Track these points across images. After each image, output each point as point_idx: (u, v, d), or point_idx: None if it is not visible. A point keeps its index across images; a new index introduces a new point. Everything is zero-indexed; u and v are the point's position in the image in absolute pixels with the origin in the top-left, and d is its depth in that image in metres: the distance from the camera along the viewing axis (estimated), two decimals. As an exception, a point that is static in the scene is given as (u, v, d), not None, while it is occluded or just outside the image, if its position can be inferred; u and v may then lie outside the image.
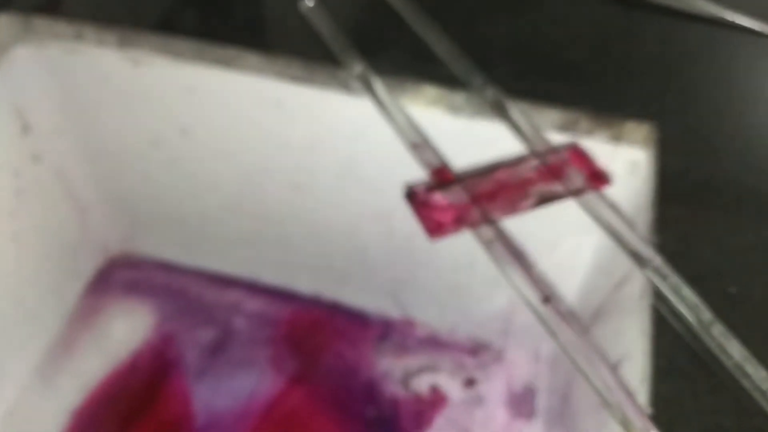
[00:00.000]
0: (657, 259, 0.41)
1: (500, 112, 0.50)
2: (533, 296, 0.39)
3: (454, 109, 0.54)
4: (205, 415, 0.72)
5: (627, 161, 0.52)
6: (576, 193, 0.44)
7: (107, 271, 0.84)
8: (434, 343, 0.77)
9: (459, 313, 0.77)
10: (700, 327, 0.38)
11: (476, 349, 0.76)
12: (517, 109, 0.49)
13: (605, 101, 0.53)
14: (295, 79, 0.58)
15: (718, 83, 0.57)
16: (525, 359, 0.75)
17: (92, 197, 0.80)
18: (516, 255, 0.41)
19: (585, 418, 0.57)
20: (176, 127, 0.69)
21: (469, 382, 0.74)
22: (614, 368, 0.37)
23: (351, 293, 0.79)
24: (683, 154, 0.50)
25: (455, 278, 0.73)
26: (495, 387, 0.73)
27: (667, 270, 0.40)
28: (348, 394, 0.73)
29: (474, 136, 0.55)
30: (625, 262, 0.53)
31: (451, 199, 0.43)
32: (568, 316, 0.38)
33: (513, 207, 0.42)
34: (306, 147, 0.64)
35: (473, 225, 0.42)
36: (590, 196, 0.44)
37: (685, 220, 0.45)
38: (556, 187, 0.44)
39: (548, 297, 0.39)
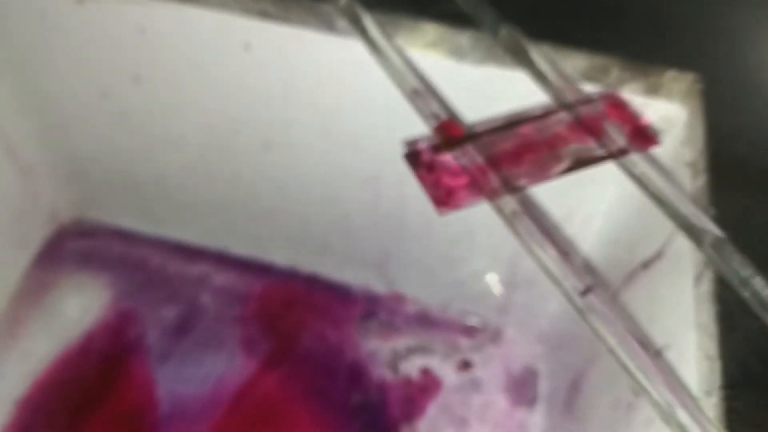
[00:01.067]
0: (719, 235, 0.32)
1: (517, 55, 0.40)
2: (570, 286, 0.30)
3: (459, 52, 0.44)
4: (168, 402, 0.63)
5: (666, 118, 0.43)
6: (618, 154, 0.35)
7: (57, 241, 0.73)
8: (425, 321, 0.69)
9: (452, 288, 0.68)
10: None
11: (471, 328, 0.68)
12: (537, 53, 0.40)
13: (638, 48, 0.44)
14: (266, 15, 0.48)
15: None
16: (525, 339, 0.67)
17: (36, 157, 0.69)
18: (548, 233, 0.32)
19: (601, 411, 0.49)
20: (127, 75, 0.58)
21: (464, 365, 0.66)
22: (677, 384, 0.29)
23: (332, 265, 0.70)
24: (733, 110, 0.41)
25: (450, 250, 0.65)
26: (492, 370, 0.65)
27: (731, 249, 0.31)
28: (329, 379, 0.65)
29: (483, 86, 0.45)
30: (656, 236, 0.45)
31: (463, 160, 0.34)
32: (615, 312, 0.30)
33: (542, 171, 0.33)
34: (279, 98, 0.54)
35: (492, 194, 0.33)
36: (634, 158, 0.35)
37: (741, 191, 0.36)
38: (593, 146, 0.35)
39: (589, 287, 0.30)
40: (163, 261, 0.72)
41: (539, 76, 0.39)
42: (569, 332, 0.64)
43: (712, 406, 0.28)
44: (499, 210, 0.33)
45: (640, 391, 0.30)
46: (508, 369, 0.65)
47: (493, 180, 0.33)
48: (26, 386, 0.63)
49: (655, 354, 0.34)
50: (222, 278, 0.71)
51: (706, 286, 0.33)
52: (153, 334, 0.67)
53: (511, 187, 0.33)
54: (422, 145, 0.34)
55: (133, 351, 0.66)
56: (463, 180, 0.33)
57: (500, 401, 0.63)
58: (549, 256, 0.31)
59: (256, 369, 0.65)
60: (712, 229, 0.32)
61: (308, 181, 0.62)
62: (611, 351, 0.30)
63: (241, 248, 0.72)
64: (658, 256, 0.44)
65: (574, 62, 0.43)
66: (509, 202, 0.33)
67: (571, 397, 0.56)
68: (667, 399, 0.29)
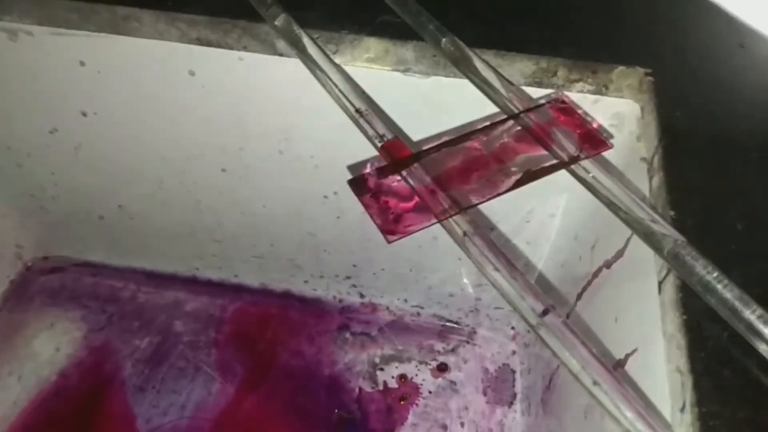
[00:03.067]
0: (679, 240, 0.29)
1: (461, 65, 0.37)
2: (528, 307, 0.27)
3: (403, 65, 0.41)
4: (148, 434, 0.60)
5: (618, 114, 0.41)
6: (569, 161, 0.32)
7: (24, 281, 0.69)
8: (399, 328, 0.66)
9: (423, 294, 0.65)
10: (744, 327, 0.27)
11: (444, 331, 0.66)
12: (481, 61, 0.37)
13: (585, 47, 0.41)
14: (204, 41, 0.44)
15: (713, 22, 0.46)
16: (498, 338, 0.64)
17: (-7, 198, 0.65)
18: (501, 253, 0.29)
19: (574, 409, 0.47)
20: (74, 109, 0.54)
21: (441, 369, 0.63)
22: (644, 402, 0.26)
23: (303, 281, 0.67)
24: (685, 103, 0.39)
25: (417, 256, 0.62)
26: (469, 371, 0.62)
27: (693, 254, 0.29)
28: (308, 396, 0.62)
29: (430, 98, 0.42)
30: (617, 236, 0.42)
31: (410, 181, 0.31)
32: (573, 331, 0.27)
33: (492, 187, 0.30)
34: (231, 122, 0.51)
35: (443, 215, 0.30)
36: (586, 164, 0.32)
37: (699, 188, 0.34)
38: (543, 155, 0.32)
39: (547, 309, 0.27)
40: (134, 291, 0.68)
41: (485, 85, 0.36)
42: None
43: (687, 424, 0.26)
44: (451, 231, 0.30)
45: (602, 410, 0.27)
46: (485, 369, 0.63)
47: (443, 200, 0.30)
48: (0, 433, 0.59)
49: (617, 366, 0.31)
50: (194, 303, 0.67)
51: (670, 293, 0.30)
52: (128, 367, 0.64)
53: (461, 206, 0.30)
54: (367, 170, 0.31)
55: (109, 386, 0.62)
56: (411, 203, 0.30)
57: (479, 402, 0.61)
58: (504, 277, 0.28)
59: (234, 392, 0.62)
60: (672, 233, 0.30)
61: (270, 202, 0.59)
62: (573, 374, 0.27)
63: (211, 272, 0.68)
64: (619, 255, 0.42)
65: (520, 66, 0.40)
66: (460, 222, 0.30)
67: (547, 395, 0.54)
68: (631, 419, 0.26)
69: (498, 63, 0.39)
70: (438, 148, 0.32)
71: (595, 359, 0.26)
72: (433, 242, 0.59)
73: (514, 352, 0.63)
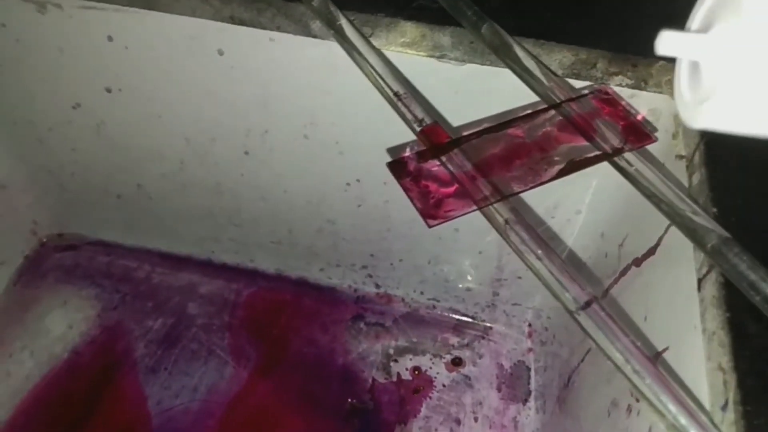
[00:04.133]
0: (724, 236, 0.29)
1: (500, 52, 0.36)
2: (570, 298, 0.27)
3: (439, 51, 0.41)
4: (159, 416, 0.60)
5: (656, 110, 0.40)
6: (613, 153, 0.31)
7: (38, 257, 0.69)
8: (414, 320, 0.65)
9: (440, 287, 0.65)
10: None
11: (460, 325, 0.65)
12: (522, 49, 0.36)
13: (625, 39, 0.40)
14: (237, 19, 0.44)
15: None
16: (514, 334, 0.64)
17: (11, 171, 0.64)
18: (543, 241, 0.28)
19: (596, 409, 0.46)
20: (99, 85, 0.53)
21: (456, 363, 0.63)
22: (686, 396, 0.26)
23: (319, 269, 0.67)
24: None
25: (436, 248, 0.61)
26: (484, 367, 0.62)
27: (738, 250, 0.28)
28: (321, 385, 0.61)
29: (465, 86, 0.42)
30: (648, 232, 0.42)
31: (450, 167, 0.30)
32: (617, 323, 0.27)
33: (534, 175, 0.30)
34: (257, 104, 0.50)
35: (483, 202, 0.29)
36: (628, 156, 0.32)
37: (745, 184, 0.33)
38: (586, 146, 0.31)
39: (590, 300, 0.27)
40: (148, 272, 0.68)
41: (525, 73, 0.35)
42: (556, 326, 0.61)
43: (730, 422, 0.25)
44: (491, 219, 0.29)
45: (643, 401, 0.27)
46: (500, 365, 0.62)
47: (484, 187, 0.30)
48: (10, 409, 0.59)
49: (655, 358, 0.30)
50: (209, 286, 0.67)
51: (712, 289, 0.29)
52: (140, 347, 0.63)
53: (503, 194, 0.29)
54: (407, 153, 0.31)
55: (121, 365, 0.62)
56: (451, 188, 0.30)
57: (493, 398, 0.60)
58: (546, 266, 0.28)
59: (247, 377, 0.62)
60: (716, 229, 0.29)
61: (291, 187, 0.58)
62: (617, 366, 0.26)
63: (227, 256, 0.68)
64: (650, 253, 0.41)
65: (558, 57, 0.39)
66: (501, 209, 0.29)
67: (564, 393, 0.53)
68: (675, 413, 0.25)
69: (536, 52, 0.38)
70: (479, 134, 0.32)
71: (639, 351, 0.26)
72: (453, 234, 0.59)
73: (530, 350, 0.63)
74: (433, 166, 0.30)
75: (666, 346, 0.35)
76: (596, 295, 0.27)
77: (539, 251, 0.28)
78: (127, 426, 0.59)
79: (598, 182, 0.50)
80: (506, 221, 0.29)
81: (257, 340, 0.64)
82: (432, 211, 0.29)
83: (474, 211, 0.29)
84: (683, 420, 0.25)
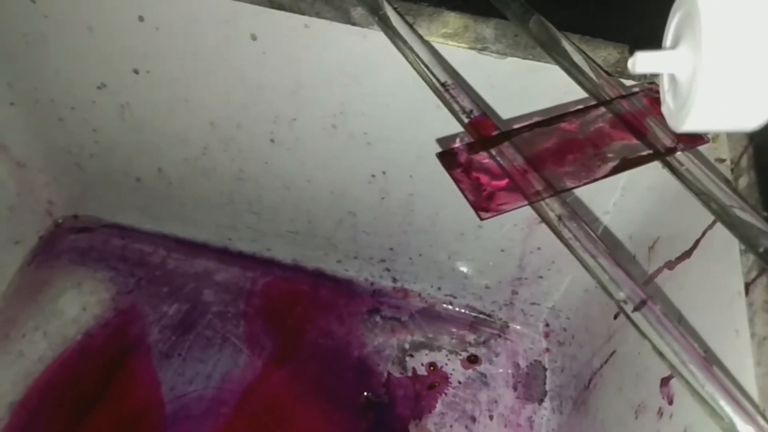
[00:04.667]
0: (775, 242, 0.28)
1: (548, 47, 0.36)
2: (625, 297, 0.26)
3: (480, 43, 0.40)
4: (173, 403, 0.59)
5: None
6: (666, 152, 0.31)
7: (53, 238, 0.68)
8: (431, 316, 0.65)
9: (458, 283, 0.65)
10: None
11: (477, 322, 0.65)
12: (570, 44, 0.35)
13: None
14: (276, 4, 0.43)
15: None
16: (531, 334, 0.64)
17: (30, 150, 0.64)
18: (597, 239, 0.28)
19: (619, 411, 0.46)
20: (127, 66, 0.53)
21: (471, 360, 0.62)
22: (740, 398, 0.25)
23: (336, 261, 0.66)
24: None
25: (457, 244, 0.61)
26: (500, 366, 0.62)
27: (791, 257, 0.28)
28: (336, 377, 0.61)
29: (505, 80, 0.41)
30: (683, 235, 0.41)
31: (501, 160, 0.30)
32: (673, 324, 0.26)
33: (587, 172, 0.29)
34: (287, 91, 0.50)
35: (535, 197, 0.29)
36: (679, 156, 0.31)
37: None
38: (638, 144, 0.31)
39: (644, 300, 0.26)
40: (164, 257, 0.67)
41: (573, 69, 0.35)
42: (576, 327, 0.60)
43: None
44: (543, 214, 0.29)
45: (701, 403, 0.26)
46: (516, 364, 0.62)
47: (535, 181, 0.29)
48: (22, 390, 0.58)
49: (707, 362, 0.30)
50: (225, 274, 0.66)
51: (762, 294, 0.29)
52: (154, 332, 0.63)
53: (556, 189, 0.29)
54: (457, 144, 0.30)
55: (135, 350, 0.62)
56: (502, 182, 0.29)
57: (508, 397, 0.60)
58: (600, 263, 0.27)
59: (261, 366, 0.61)
60: (768, 232, 0.29)
61: (315, 177, 0.58)
62: (672, 367, 0.26)
63: (244, 244, 0.67)
64: (686, 255, 0.41)
65: (603, 54, 0.39)
66: (554, 205, 0.29)
67: (584, 395, 0.53)
68: (731, 416, 0.25)
69: (582, 49, 0.38)
70: (530, 127, 0.31)
71: (696, 353, 0.25)
72: (476, 231, 0.58)
73: (547, 350, 0.62)
74: (484, 158, 0.30)
75: (705, 349, 0.35)
76: (651, 295, 0.26)
77: (593, 248, 0.27)
78: (139, 411, 0.58)
79: (626, 183, 0.50)
80: (559, 217, 0.28)
81: (272, 330, 0.63)
82: (484, 203, 0.28)
83: (526, 205, 0.29)
84: (740, 422, 0.24)
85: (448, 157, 0.30)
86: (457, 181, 0.29)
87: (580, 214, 0.52)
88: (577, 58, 0.35)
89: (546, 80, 0.40)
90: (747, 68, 0.22)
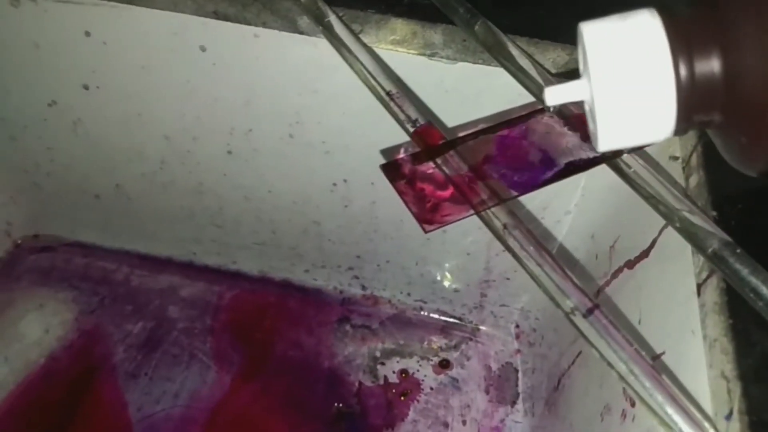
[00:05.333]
0: (726, 239, 0.28)
1: (495, 51, 0.35)
2: (572, 306, 0.26)
3: (429, 49, 0.40)
4: (140, 423, 0.58)
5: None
6: (613, 155, 0.30)
7: (13, 259, 0.66)
8: (401, 322, 0.64)
9: (427, 288, 0.64)
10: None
11: (448, 327, 0.64)
12: (516, 48, 0.35)
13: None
14: (221, 15, 0.42)
15: None
16: (502, 336, 0.63)
17: (-16, 171, 0.62)
18: (543, 247, 0.27)
19: (588, 413, 0.46)
20: (76, 82, 0.51)
21: (443, 365, 0.62)
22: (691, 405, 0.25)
23: (304, 271, 0.65)
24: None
25: (424, 250, 0.60)
26: (471, 369, 0.61)
27: (741, 255, 0.27)
28: (307, 389, 0.60)
29: (457, 85, 0.41)
30: (641, 233, 0.41)
31: (446, 170, 0.29)
32: (620, 331, 0.26)
33: (533, 179, 0.29)
34: (241, 102, 0.49)
35: (481, 206, 0.28)
36: (626, 158, 0.31)
37: (746, 186, 0.32)
38: (584, 147, 0.30)
39: (592, 308, 0.26)
40: (127, 274, 0.66)
41: (520, 73, 0.34)
42: (544, 327, 0.60)
43: (735, 432, 0.24)
44: (489, 223, 0.28)
45: (648, 411, 0.26)
46: (487, 367, 0.62)
47: (481, 190, 0.29)
48: (-15, 416, 0.57)
49: (654, 365, 0.30)
50: (190, 289, 0.65)
51: (713, 295, 0.29)
52: (120, 352, 0.61)
53: (501, 197, 0.28)
54: (400, 155, 0.30)
55: (100, 371, 0.60)
56: (447, 192, 0.29)
57: (481, 400, 0.60)
58: (546, 272, 0.27)
59: (230, 382, 0.60)
60: (717, 232, 0.29)
61: (276, 187, 0.57)
62: (619, 375, 0.26)
63: (208, 257, 0.66)
64: (644, 255, 0.40)
65: (552, 56, 0.38)
66: (499, 214, 0.28)
67: (554, 396, 0.53)
68: (680, 425, 0.25)
69: (530, 51, 0.38)
70: (474, 135, 0.30)
71: (643, 361, 0.25)
72: (441, 236, 0.58)
73: (518, 351, 0.62)
74: (428, 168, 0.29)
75: (662, 351, 0.35)
76: (598, 303, 0.26)
77: (539, 256, 0.27)
78: (106, 434, 0.57)
79: (587, 182, 0.50)
80: (504, 226, 0.28)
81: (241, 344, 0.62)
82: (428, 215, 0.27)
83: (471, 215, 0.28)
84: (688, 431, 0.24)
85: (392, 168, 0.29)
86: (400, 193, 0.28)
87: (541, 215, 0.52)
88: (524, 62, 0.34)
89: (498, 84, 0.39)
90: (633, 88, 0.23)
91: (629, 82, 0.23)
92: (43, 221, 0.67)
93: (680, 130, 0.24)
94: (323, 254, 0.63)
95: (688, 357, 0.32)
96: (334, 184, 0.55)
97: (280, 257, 0.64)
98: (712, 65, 0.22)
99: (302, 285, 0.65)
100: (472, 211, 0.28)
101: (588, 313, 0.26)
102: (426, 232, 0.27)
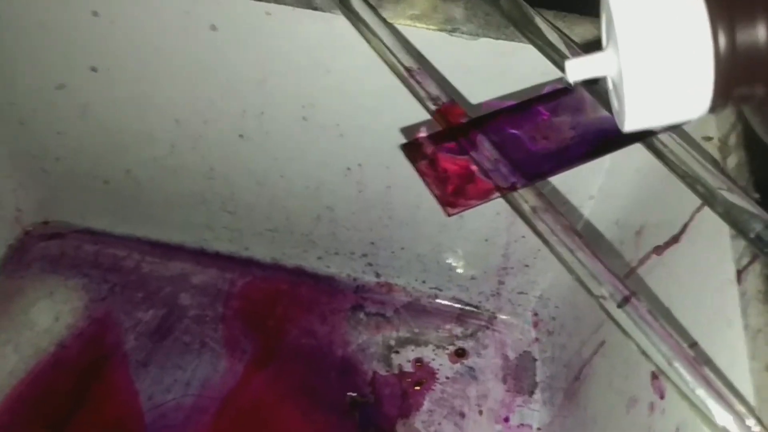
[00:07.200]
0: (766, 218, 0.26)
1: (521, 25, 0.33)
2: (606, 294, 0.24)
3: (450, 24, 0.38)
4: (151, 412, 0.57)
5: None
6: (647, 133, 0.28)
7: (22, 246, 0.65)
8: (416, 310, 0.63)
9: (443, 275, 0.62)
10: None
11: (464, 315, 0.63)
12: (544, 22, 0.33)
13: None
14: (234, -10, 0.41)
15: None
16: (519, 324, 0.62)
17: (-7, 156, 0.61)
18: (575, 231, 0.26)
19: (611, 404, 0.44)
20: (84, 64, 0.50)
21: (459, 354, 0.60)
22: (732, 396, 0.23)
23: (317, 258, 0.64)
24: None
25: (440, 236, 0.58)
26: (488, 358, 0.60)
27: (785, 242, 0.26)
28: (320, 377, 0.59)
29: (479, 62, 0.39)
30: (670, 217, 0.39)
31: (470, 150, 0.27)
32: (659, 322, 0.24)
33: (563, 158, 0.27)
34: (253, 83, 0.47)
35: (508, 188, 0.26)
36: (662, 136, 0.29)
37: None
38: (616, 126, 0.29)
39: (628, 296, 0.24)
40: (138, 261, 0.65)
41: (548, 48, 0.32)
42: (564, 316, 0.59)
43: None
44: (516, 206, 0.27)
45: (691, 407, 0.24)
46: (504, 356, 0.60)
47: (508, 171, 0.27)
48: (-5, 404, 0.56)
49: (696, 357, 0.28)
50: (201, 276, 0.64)
51: (756, 282, 0.27)
52: (130, 340, 0.60)
53: (529, 179, 0.27)
54: (422, 134, 0.28)
55: (111, 359, 0.59)
56: (471, 173, 0.27)
57: (498, 390, 0.58)
58: (579, 259, 0.25)
59: (242, 370, 0.59)
60: (761, 214, 0.27)
61: (289, 172, 0.55)
62: (659, 369, 0.24)
63: (220, 244, 0.65)
64: (674, 240, 0.39)
65: (580, 31, 0.36)
66: (527, 196, 0.26)
67: (575, 386, 0.51)
68: (723, 421, 0.23)
69: (558, 25, 0.35)
70: (501, 113, 0.29)
71: (684, 353, 0.23)
72: (458, 221, 0.56)
73: (536, 340, 0.60)
74: (451, 148, 0.27)
75: (694, 342, 0.33)
76: (635, 291, 0.24)
77: (570, 242, 0.25)
78: (118, 422, 0.56)
79: (612, 165, 0.48)
80: (533, 209, 0.26)
81: (253, 332, 0.61)
82: (451, 198, 0.26)
83: (497, 197, 0.26)
84: (734, 427, 0.22)
85: (412, 148, 0.27)
86: (422, 174, 0.27)
87: (563, 200, 0.50)
88: (552, 36, 0.33)
89: (522, 61, 0.37)
90: (666, 59, 0.21)
91: (660, 50, 0.21)
92: (52, 208, 0.66)
93: (717, 106, 0.22)
94: (337, 241, 0.62)
95: (722, 348, 0.30)
96: (349, 169, 0.53)
97: (293, 244, 0.63)
98: (756, 30, 0.20)
99: (315, 272, 0.64)
100: (497, 194, 0.27)
101: (624, 302, 0.24)
102: (449, 215, 0.26)
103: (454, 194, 0.26)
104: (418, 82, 0.31)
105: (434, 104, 0.30)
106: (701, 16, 0.20)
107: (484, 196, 0.26)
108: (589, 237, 0.51)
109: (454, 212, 0.26)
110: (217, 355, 0.59)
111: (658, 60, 0.21)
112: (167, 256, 0.65)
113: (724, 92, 0.21)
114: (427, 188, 0.27)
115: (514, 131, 0.28)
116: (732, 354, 0.28)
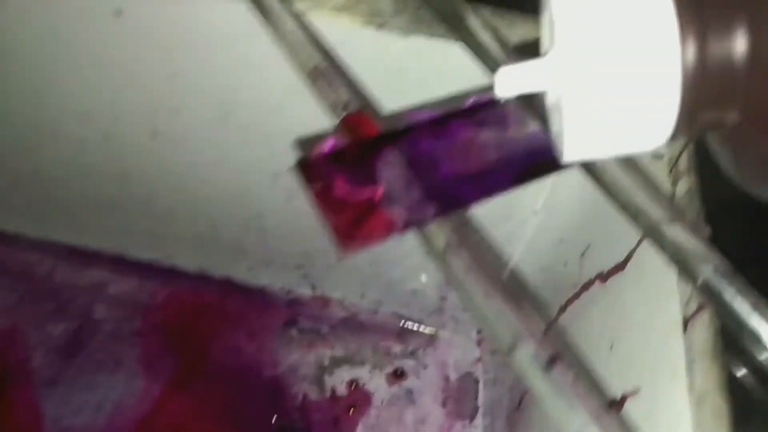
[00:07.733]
0: (720, 266, 0.22)
1: (452, 22, 0.29)
2: (529, 354, 0.20)
3: (378, 18, 0.33)
4: (55, 437, 0.51)
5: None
6: (586, 157, 0.24)
7: None
8: (353, 326, 0.58)
9: (382, 289, 0.58)
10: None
11: (403, 332, 0.58)
12: (477, 19, 0.29)
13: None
14: (132, -29, 0.35)
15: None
16: (463, 343, 0.58)
17: None
18: (495, 273, 0.21)
19: (550, 430, 0.40)
20: (-26, 51, 0.44)
21: (397, 375, 0.56)
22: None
23: (247, 269, 0.59)
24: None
25: (379, 248, 0.54)
26: (428, 379, 0.56)
27: (740, 286, 0.22)
28: (245, 400, 0.54)
29: (408, 62, 0.34)
30: (617, 241, 0.35)
31: (378, 169, 0.23)
32: (586, 389, 0.20)
33: (486, 184, 0.23)
34: (164, 78, 0.42)
35: (421, 218, 0.22)
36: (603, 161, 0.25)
37: (744, 198, 0.27)
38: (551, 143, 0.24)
39: (555, 356, 0.20)
40: (51, 268, 0.59)
41: (480, 50, 0.28)
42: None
43: None
44: (428, 242, 0.22)
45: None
46: (445, 377, 0.56)
47: (421, 197, 0.22)
48: None
49: (610, 406, 0.24)
50: (119, 286, 0.58)
51: (704, 334, 0.23)
52: (38, 356, 0.54)
53: (446, 207, 0.22)
54: (320, 150, 0.23)
55: (15, 377, 0.53)
56: (377, 200, 0.22)
57: (437, 414, 0.54)
58: (496, 308, 0.21)
59: (160, 391, 0.54)
60: (711, 256, 0.23)
61: (211, 176, 0.50)
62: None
63: (141, 251, 0.59)
64: (619, 268, 0.35)
65: (521, 32, 0.32)
66: (442, 229, 0.22)
67: (515, 415, 0.47)
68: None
69: (496, 24, 0.31)
70: (418, 127, 0.24)
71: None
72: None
73: (478, 359, 0.56)
74: (354, 169, 0.23)
75: (637, 387, 0.29)
76: (560, 351, 0.20)
77: (490, 288, 0.21)
78: (16, 448, 0.50)
79: (556, 179, 0.44)
80: (447, 245, 0.22)
81: (173, 349, 0.56)
82: (348, 231, 0.21)
83: (404, 232, 0.22)
84: None
85: (306, 167, 0.23)
86: (315, 198, 0.22)
87: (506, 215, 0.46)
88: (485, 37, 0.28)
89: (456, 62, 0.33)
90: (621, 73, 0.16)
91: (613, 61, 0.16)
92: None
93: (678, 132, 0.18)
94: (268, 250, 0.57)
95: (668, 401, 0.26)
96: (276, 174, 0.48)
97: (221, 253, 0.58)
98: (732, 44, 0.16)
99: (245, 284, 0.59)
100: (407, 227, 0.22)
101: (549, 363, 0.20)
102: (342, 254, 0.21)
103: (352, 227, 0.22)
104: (327, 84, 0.26)
105: (342, 110, 0.25)
106: (669, 18, 0.16)
107: (390, 229, 0.22)
108: (531, 257, 0.47)
109: (347, 252, 0.21)
110: (133, 374, 0.54)
111: (610, 73, 0.16)
112: (83, 263, 0.59)
113: (690, 116, 0.17)
114: (322, 222, 0.22)
115: (430, 150, 0.24)
116: (678, 413, 0.24)
